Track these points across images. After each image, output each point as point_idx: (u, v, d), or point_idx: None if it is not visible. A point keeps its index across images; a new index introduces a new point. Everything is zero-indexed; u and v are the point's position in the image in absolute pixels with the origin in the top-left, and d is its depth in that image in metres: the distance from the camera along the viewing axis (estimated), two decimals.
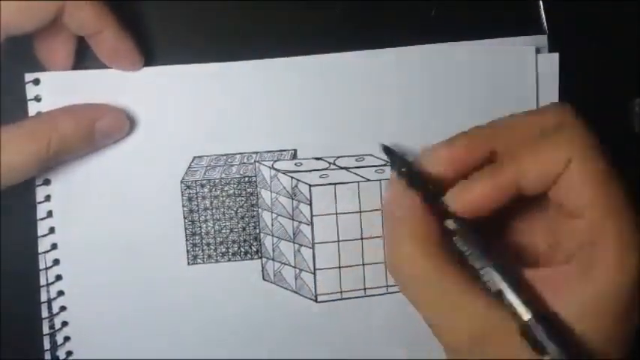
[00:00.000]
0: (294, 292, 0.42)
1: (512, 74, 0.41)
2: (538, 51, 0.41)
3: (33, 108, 0.40)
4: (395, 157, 0.38)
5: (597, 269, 0.31)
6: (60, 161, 0.39)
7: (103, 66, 0.40)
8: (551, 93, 0.42)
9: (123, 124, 0.39)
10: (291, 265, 0.42)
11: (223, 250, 0.42)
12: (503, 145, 0.34)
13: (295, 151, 0.41)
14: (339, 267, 0.42)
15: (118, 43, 0.38)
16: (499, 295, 0.31)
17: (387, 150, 0.39)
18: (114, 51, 0.38)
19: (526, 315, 0.30)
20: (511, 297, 0.31)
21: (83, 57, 0.40)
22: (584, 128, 0.32)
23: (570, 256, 0.32)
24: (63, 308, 0.41)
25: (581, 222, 0.32)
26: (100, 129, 0.38)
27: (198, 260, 0.41)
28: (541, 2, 0.42)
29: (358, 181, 0.41)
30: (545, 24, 0.42)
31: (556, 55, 0.41)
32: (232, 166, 0.41)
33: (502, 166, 0.33)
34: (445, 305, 0.33)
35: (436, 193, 0.34)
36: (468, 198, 0.33)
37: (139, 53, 0.39)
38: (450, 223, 0.33)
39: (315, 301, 0.42)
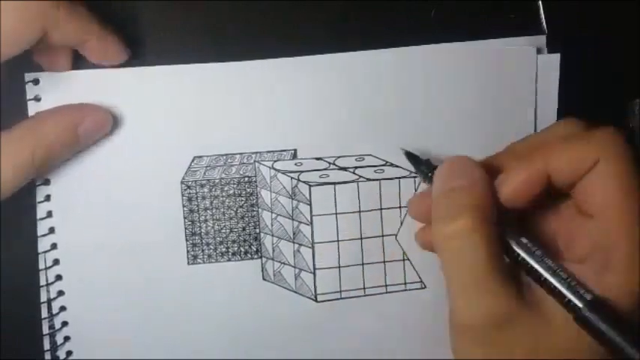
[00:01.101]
0: (294, 291, 0.42)
1: (513, 74, 0.41)
2: (538, 51, 0.41)
3: (32, 108, 0.40)
4: (421, 163, 0.39)
5: (609, 273, 0.31)
6: (48, 167, 0.39)
7: (101, 65, 0.40)
8: (551, 93, 0.42)
9: (106, 123, 0.39)
10: (290, 265, 0.42)
11: (223, 249, 0.42)
12: (538, 143, 0.35)
13: (295, 151, 0.41)
14: (339, 267, 0.42)
15: (104, 44, 0.38)
16: (549, 285, 0.32)
17: (410, 156, 0.39)
18: (101, 52, 0.38)
19: (580, 303, 0.31)
20: (563, 287, 0.32)
21: (82, 56, 0.40)
22: (615, 132, 0.33)
23: (584, 258, 0.33)
24: (63, 308, 0.41)
25: (597, 223, 0.32)
26: (84, 132, 0.38)
27: (198, 260, 0.41)
28: (541, 2, 0.42)
29: (358, 181, 0.41)
30: (545, 24, 0.42)
31: (557, 56, 0.41)
32: (232, 166, 0.41)
33: (533, 158, 0.34)
34: (478, 286, 0.33)
35: None
36: (508, 187, 0.34)
37: (124, 48, 0.39)
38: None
39: (315, 300, 0.42)
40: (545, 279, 0.32)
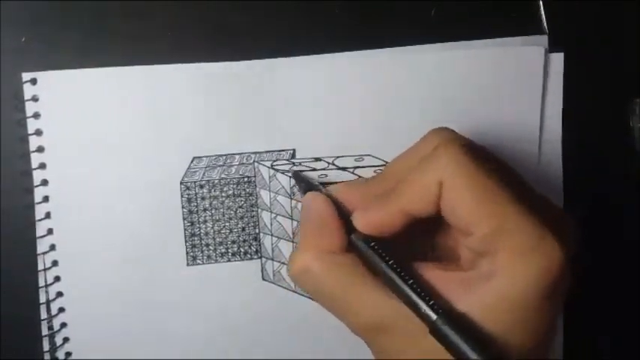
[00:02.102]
0: (294, 291, 0.42)
1: (520, 74, 0.41)
2: (546, 51, 0.41)
3: (30, 108, 0.39)
4: (303, 181, 0.39)
5: (494, 278, 0.31)
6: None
7: (101, 65, 0.39)
8: (556, 93, 0.42)
9: None
10: None
11: (223, 250, 0.42)
12: (392, 177, 0.35)
13: (294, 151, 0.41)
14: None
15: None
16: (407, 296, 0.32)
17: (295, 175, 0.40)
18: None
19: (433, 314, 0.31)
20: (416, 298, 0.31)
21: (82, 56, 0.40)
22: (453, 147, 0.32)
23: (471, 264, 0.32)
24: (62, 309, 0.41)
25: (473, 238, 0.32)
26: None
27: (198, 261, 0.41)
28: (541, 2, 0.42)
29: None
30: (545, 24, 0.42)
31: (561, 55, 0.41)
32: (231, 166, 0.41)
33: (389, 197, 0.34)
34: (338, 306, 0.34)
35: (344, 211, 0.35)
36: (366, 224, 0.34)
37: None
38: (354, 238, 0.34)
39: (315, 300, 0.42)
40: (402, 291, 0.32)
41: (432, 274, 0.33)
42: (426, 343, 0.31)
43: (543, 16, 0.42)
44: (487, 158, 0.33)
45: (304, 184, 0.39)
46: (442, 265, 0.34)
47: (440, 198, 0.32)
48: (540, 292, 0.30)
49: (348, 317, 0.34)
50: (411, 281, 0.32)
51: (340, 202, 0.36)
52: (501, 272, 0.31)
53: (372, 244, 0.34)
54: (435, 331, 0.30)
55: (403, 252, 0.34)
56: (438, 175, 0.32)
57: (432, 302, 0.31)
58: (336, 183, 0.40)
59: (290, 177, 0.41)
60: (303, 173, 0.40)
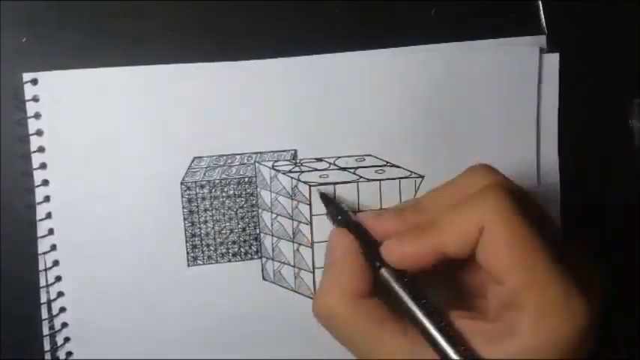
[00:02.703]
0: (294, 291, 0.42)
1: (515, 74, 0.41)
2: (541, 51, 0.41)
3: (31, 108, 0.39)
4: (332, 205, 0.39)
5: (519, 334, 0.31)
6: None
7: (101, 65, 0.39)
8: (552, 93, 0.42)
9: None
10: (290, 265, 0.42)
11: (223, 250, 0.42)
12: (428, 209, 0.35)
13: (295, 151, 0.41)
14: None
15: None
16: (430, 338, 0.32)
17: (324, 198, 0.40)
18: None
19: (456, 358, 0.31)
20: (441, 341, 0.31)
21: (82, 56, 0.40)
22: (499, 192, 0.32)
23: (498, 315, 0.32)
24: (63, 309, 0.41)
25: (503, 288, 0.32)
26: None
27: (199, 261, 0.41)
28: (541, 2, 0.42)
29: (358, 182, 0.41)
30: (544, 24, 0.42)
31: (556, 56, 0.41)
32: (232, 166, 0.41)
33: (425, 232, 0.33)
34: (364, 345, 0.34)
35: (373, 241, 0.35)
36: (396, 256, 0.34)
37: None
38: (384, 272, 0.34)
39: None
40: (431, 336, 0.32)
41: (460, 321, 0.32)
42: None
43: (542, 17, 0.42)
44: (529, 205, 0.33)
45: (333, 209, 0.39)
46: (469, 313, 0.33)
47: (478, 242, 0.32)
48: (563, 351, 0.30)
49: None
50: (443, 325, 0.32)
51: (369, 232, 0.36)
52: (527, 328, 0.31)
53: (405, 280, 0.34)
54: None
55: (429, 290, 0.34)
56: (480, 219, 0.32)
57: (463, 350, 0.31)
58: (337, 183, 0.41)
59: (292, 179, 0.41)
60: (331, 196, 0.40)
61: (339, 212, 0.38)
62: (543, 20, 0.42)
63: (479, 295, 0.35)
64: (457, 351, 0.31)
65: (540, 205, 0.35)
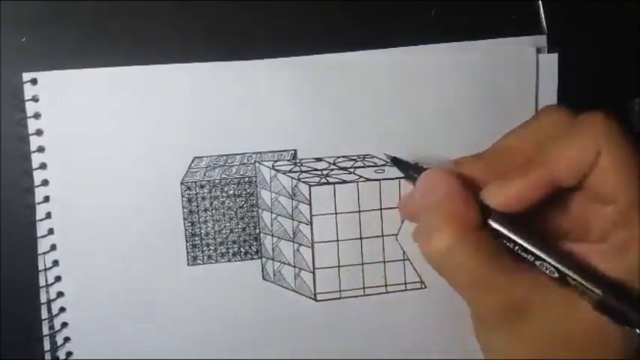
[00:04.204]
0: (294, 291, 0.42)
1: (513, 74, 0.41)
2: (539, 51, 0.41)
3: (31, 108, 0.39)
4: (404, 165, 0.38)
5: (629, 251, 0.32)
6: None
7: (101, 65, 0.39)
8: (550, 93, 0.42)
9: None
10: (290, 265, 0.42)
11: (223, 250, 0.42)
12: (515, 151, 0.35)
13: (295, 151, 0.41)
14: (339, 266, 0.42)
15: None
16: (562, 278, 0.32)
17: (395, 160, 0.39)
18: None
19: (598, 290, 0.31)
20: (577, 276, 0.32)
21: (82, 56, 0.40)
22: (607, 117, 0.33)
23: (604, 236, 0.33)
24: (62, 309, 0.41)
25: (612, 208, 0.32)
26: None
27: (198, 261, 0.41)
28: (541, 2, 0.42)
29: (358, 181, 0.41)
30: (544, 24, 0.42)
31: (555, 56, 0.41)
32: (232, 166, 0.41)
33: (534, 165, 0.33)
34: (481, 288, 0.33)
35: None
36: (504, 196, 0.34)
37: None
38: (492, 221, 0.34)
39: (315, 300, 0.42)
40: (558, 269, 0.32)
41: (573, 248, 0.33)
42: (578, 317, 0.32)
43: (542, 17, 0.42)
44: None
45: (406, 166, 0.38)
46: (575, 239, 0.34)
47: (593, 166, 0.32)
48: None
49: (489, 296, 0.33)
50: (567, 259, 0.32)
51: (461, 179, 0.35)
52: (632, 246, 0.31)
53: (510, 220, 0.33)
54: (602, 305, 0.31)
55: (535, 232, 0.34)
56: (595, 143, 0.32)
57: (593, 277, 0.31)
58: (337, 183, 0.41)
59: (292, 178, 0.41)
60: (400, 158, 0.39)
61: (418, 172, 0.37)
62: (543, 20, 0.42)
63: (574, 229, 0.35)
64: (588, 279, 0.31)
65: None
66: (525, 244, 0.33)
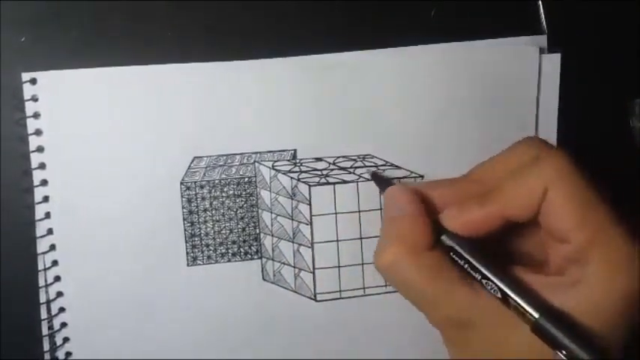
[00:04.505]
0: (294, 291, 0.42)
1: (515, 74, 0.41)
2: (541, 51, 0.41)
3: (30, 108, 0.39)
4: (383, 180, 0.40)
5: (586, 286, 0.32)
6: None
7: (101, 65, 0.39)
8: (552, 93, 0.42)
9: None
10: (290, 265, 0.42)
11: (223, 250, 0.42)
12: (484, 180, 0.35)
13: (295, 151, 0.41)
14: (339, 266, 0.42)
15: None
16: (504, 298, 0.32)
17: (374, 176, 0.40)
18: None
19: (535, 313, 0.31)
20: (517, 297, 0.32)
21: (82, 56, 0.40)
22: (560, 156, 0.33)
23: (562, 270, 0.33)
24: (62, 309, 0.41)
25: (568, 246, 0.32)
26: None
27: (198, 261, 0.41)
28: (540, 3, 0.42)
29: (358, 181, 0.41)
30: (545, 24, 0.42)
31: (558, 56, 0.41)
32: (232, 166, 0.41)
33: (491, 197, 0.34)
34: (424, 301, 0.35)
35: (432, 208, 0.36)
36: (460, 222, 0.34)
37: None
38: (446, 239, 0.34)
39: (315, 300, 0.42)
40: (501, 289, 0.33)
41: (523, 276, 0.33)
42: (515, 339, 0.32)
43: (542, 17, 0.42)
44: (584, 169, 0.34)
45: (385, 182, 0.39)
46: (529, 269, 0.34)
47: (541, 204, 0.33)
48: (628, 303, 0.31)
49: (434, 311, 0.34)
50: (510, 280, 0.32)
51: (427, 199, 0.36)
52: (592, 281, 0.32)
53: (466, 244, 0.34)
54: (537, 328, 0.31)
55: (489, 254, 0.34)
56: (544, 181, 0.33)
57: (533, 300, 0.32)
58: (337, 183, 0.41)
59: (291, 179, 0.41)
60: (380, 173, 0.41)
61: (390, 184, 0.38)
62: (543, 20, 0.42)
63: (534, 258, 0.36)
64: (527, 301, 0.32)
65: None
66: (474, 262, 0.34)
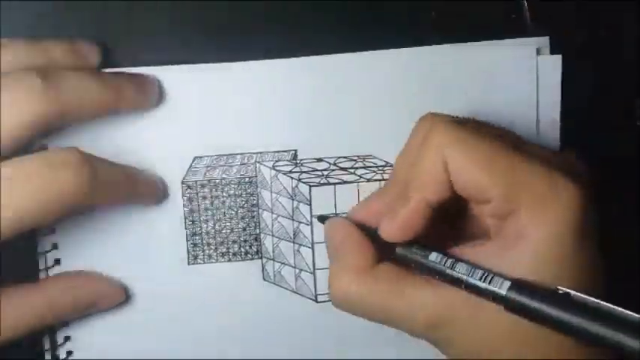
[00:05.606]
0: (294, 292, 0.42)
1: (513, 75, 0.41)
2: (539, 52, 0.41)
3: None
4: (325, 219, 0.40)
5: (525, 237, 0.31)
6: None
7: (101, 65, 0.39)
8: (553, 95, 0.42)
9: (117, 300, 0.40)
10: (291, 265, 0.42)
11: (224, 250, 0.42)
12: (400, 177, 0.35)
13: (296, 151, 0.41)
14: None
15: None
16: (467, 282, 0.32)
17: (320, 218, 0.41)
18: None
19: (502, 290, 0.31)
20: (477, 281, 0.32)
21: None
22: (443, 124, 0.33)
23: (499, 230, 0.33)
24: None
25: (492, 204, 0.32)
26: (97, 309, 0.40)
27: (199, 260, 0.41)
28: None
29: (358, 182, 0.41)
30: (545, 25, 0.42)
31: (559, 57, 0.41)
32: (233, 166, 0.41)
33: (410, 190, 0.34)
34: (388, 317, 0.35)
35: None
36: (394, 231, 0.34)
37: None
38: (398, 249, 0.35)
39: (315, 300, 0.42)
40: (461, 279, 0.32)
41: (473, 255, 0.33)
42: (495, 323, 0.32)
43: (543, 17, 0.42)
44: (479, 125, 0.34)
45: (325, 219, 0.40)
46: (474, 243, 0.34)
47: (450, 177, 0.33)
48: (571, 234, 0.31)
49: (406, 323, 0.34)
50: (466, 267, 0.32)
51: (362, 222, 0.36)
52: (529, 229, 0.31)
53: (414, 246, 0.34)
54: (509, 304, 0.31)
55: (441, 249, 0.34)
56: (439, 156, 0.33)
57: (493, 278, 0.31)
58: (337, 184, 0.41)
59: (292, 179, 0.41)
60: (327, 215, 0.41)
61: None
62: (544, 21, 0.42)
63: (477, 226, 0.35)
64: (488, 282, 0.31)
65: (490, 122, 0.36)
66: (424, 262, 0.34)
